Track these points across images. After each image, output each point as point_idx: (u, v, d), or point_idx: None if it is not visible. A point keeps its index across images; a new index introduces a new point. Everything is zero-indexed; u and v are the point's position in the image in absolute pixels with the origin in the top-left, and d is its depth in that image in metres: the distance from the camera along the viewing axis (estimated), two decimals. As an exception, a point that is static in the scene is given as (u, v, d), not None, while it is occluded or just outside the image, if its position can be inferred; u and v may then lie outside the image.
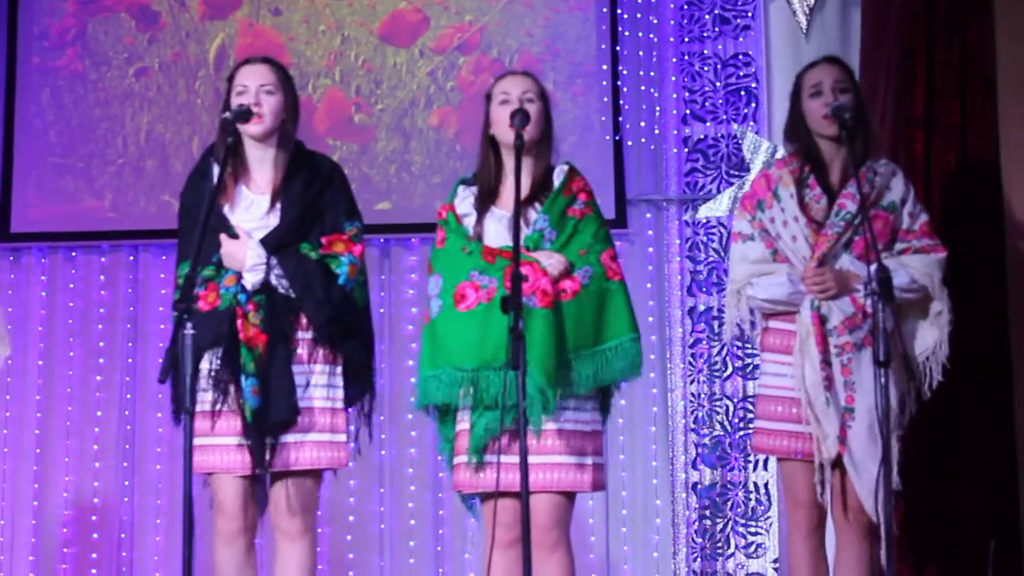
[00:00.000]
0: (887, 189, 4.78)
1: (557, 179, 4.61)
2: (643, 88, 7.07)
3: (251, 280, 4.53)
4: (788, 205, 4.77)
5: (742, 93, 6.98)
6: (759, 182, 4.92)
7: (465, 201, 4.64)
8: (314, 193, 4.64)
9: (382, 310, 6.94)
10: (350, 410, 4.71)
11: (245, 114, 4.56)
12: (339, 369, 4.62)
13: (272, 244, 4.56)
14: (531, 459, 4.32)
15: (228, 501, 4.59)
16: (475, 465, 4.44)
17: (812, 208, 4.75)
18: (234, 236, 4.56)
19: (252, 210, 4.63)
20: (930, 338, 4.77)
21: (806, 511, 4.74)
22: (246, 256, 4.53)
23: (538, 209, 4.53)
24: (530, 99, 4.59)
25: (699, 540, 6.76)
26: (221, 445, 4.56)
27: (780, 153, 5.74)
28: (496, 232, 4.54)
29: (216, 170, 4.61)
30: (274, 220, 4.61)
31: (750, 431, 6.61)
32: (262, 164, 4.68)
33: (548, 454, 4.42)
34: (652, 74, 7.07)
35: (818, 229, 4.72)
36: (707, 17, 7.02)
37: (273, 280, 4.54)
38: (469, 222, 4.60)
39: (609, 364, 4.45)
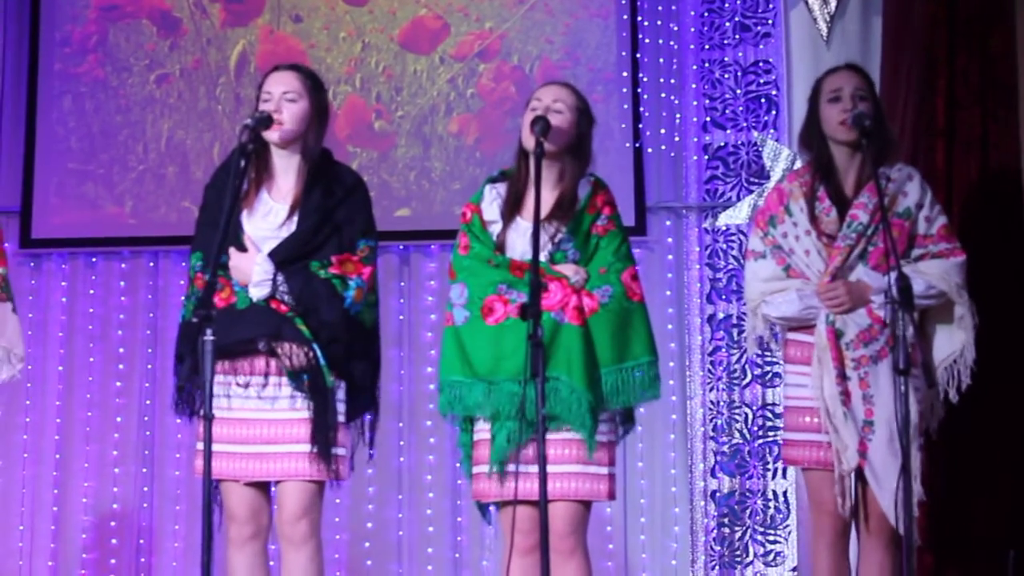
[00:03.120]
0: (902, 195, 4.76)
1: (582, 192, 4.59)
2: (663, 95, 7.06)
3: (256, 295, 4.54)
4: (800, 219, 4.76)
5: (762, 100, 6.96)
6: (772, 197, 4.91)
7: (493, 205, 4.63)
8: (333, 205, 4.64)
9: (401, 317, 6.95)
10: (351, 425, 4.71)
11: (265, 121, 4.57)
12: (342, 384, 4.62)
13: (283, 254, 4.56)
14: (549, 468, 4.34)
15: (238, 508, 4.62)
16: (496, 475, 4.44)
17: (823, 221, 4.73)
18: (243, 248, 4.57)
19: (269, 218, 4.64)
20: (956, 342, 4.76)
21: (831, 519, 4.72)
22: (252, 271, 4.53)
23: (562, 226, 4.52)
24: (558, 109, 4.56)
25: (717, 548, 6.74)
26: (228, 452, 4.57)
27: (799, 162, 5.73)
28: (520, 244, 4.53)
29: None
30: (287, 230, 4.61)
31: (769, 439, 6.62)
32: (286, 172, 4.69)
33: (566, 463, 4.43)
34: (672, 81, 7.07)
35: (830, 242, 4.70)
36: (727, 24, 7.01)
37: (278, 296, 4.54)
38: (495, 229, 4.59)
39: (627, 384, 4.45)
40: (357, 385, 4.66)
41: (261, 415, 4.57)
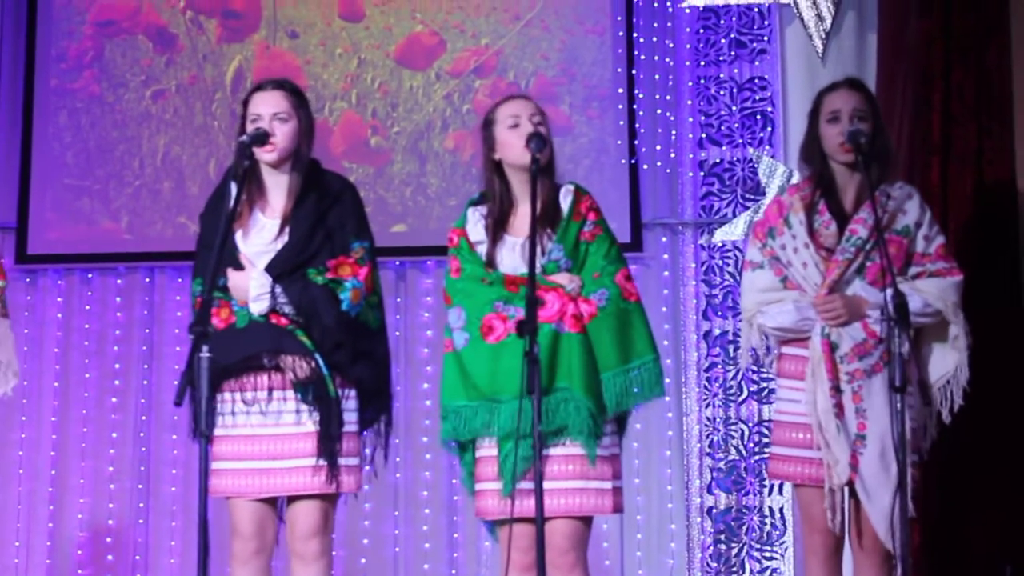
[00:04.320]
0: (901, 213, 4.75)
1: (564, 201, 4.58)
2: (659, 112, 7.07)
3: (256, 309, 4.53)
4: (799, 232, 4.75)
5: (758, 117, 6.97)
6: (771, 209, 4.90)
7: (477, 226, 4.62)
8: (322, 212, 4.63)
9: (398, 333, 6.94)
10: (365, 433, 4.70)
11: (262, 137, 4.55)
12: (352, 393, 4.62)
13: (278, 266, 4.55)
14: (552, 484, 4.34)
15: (243, 524, 4.60)
16: (508, 495, 4.41)
17: (822, 234, 4.73)
18: (240, 267, 4.56)
19: (263, 234, 4.63)
20: (950, 362, 4.75)
21: (823, 536, 4.72)
22: (249, 287, 4.53)
23: (551, 237, 4.53)
24: (539, 122, 4.58)
25: (714, 565, 6.74)
26: (231, 469, 4.57)
27: (795, 178, 5.73)
28: (509, 260, 4.53)
29: (234, 193, 4.61)
30: (281, 243, 4.60)
31: (765, 456, 6.60)
32: (277, 189, 4.68)
33: (569, 479, 4.41)
34: (668, 98, 7.07)
35: (828, 256, 4.70)
36: (723, 41, 7.02)
37: (279, 308, 4.54)
38: (482, 249, 4.58)
39: (633, 386, 4.45)
40: (367, 389, 4.65)
41: (267, 431, 4.56)
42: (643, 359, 4.48)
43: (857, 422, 4.60)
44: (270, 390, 4.56)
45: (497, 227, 4.59)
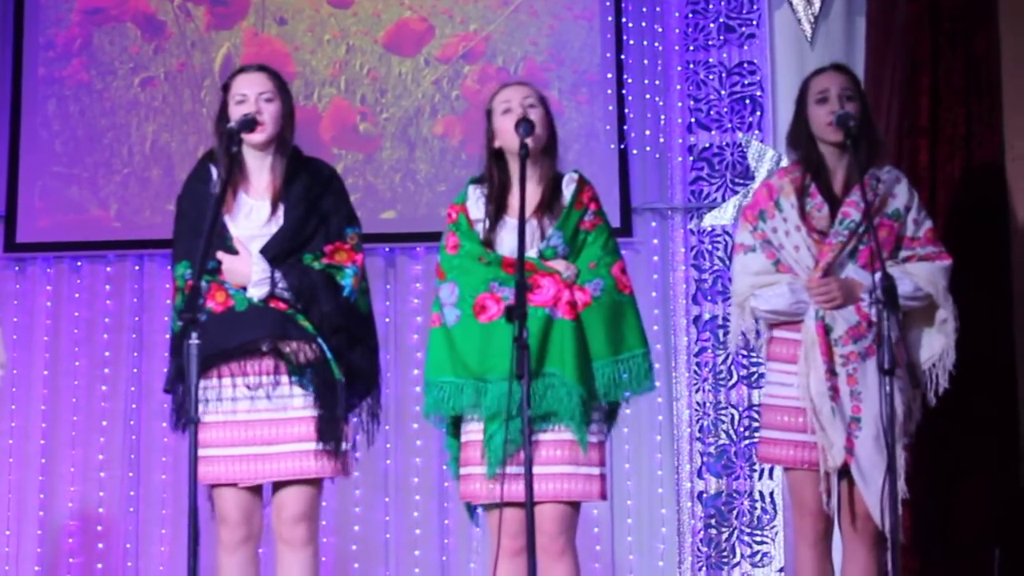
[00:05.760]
0: (891, 196, 4.76)
1: (567, 189, 4.60)
2: (648, 97, 7.06)
3: (256, 294, 4.52)
4: (790, 215, 4.75)
5: (747, 101, 6.97)
6: (761, 192, 4.90)
7: (478, 203, 4.63)
8: (315, 196, 4.63)
9: (387, 319, 6.94)
10: (352, 419, 4.70)
11: (251, 123, 4.55)
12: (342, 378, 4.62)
13: (274, 249, 4.55)
14: (540, 469, 4.35)
15: (231, 511, 4.58)
16: (493, 477, 4.42)
17: (814, 217, 4.73)
18: (232, 251, 4.56)
19: (253, 217, 4.62)
20: (937, 345, 4.76)
21: (813, 520, 4.73)
22: (251, 272, 4.51)
23: (552, 223, 4.53)
24: (531, 104, 4.58)
25: (704, 549, 6.75)
26: (223, 456, 4.55)
27: (784, 162, 5.72)
28: (510, 241, 4.51)
29: (216, 177, 4.60)
30: (275, 226, 4.59)
31: (755, 440, 6.61)
32: (260, 171, 4.67)
33: (557, 464, 4.42)
34: (657, 82, 7.07)
35: (820, 239, 4.70)
36: (712, 26, 7.01)
37: (277, 292, 4.53)
38: (480, 228, 4.59)
39: (621, 377, 4.45)
40: (358, 374, 4.65)
41: (266, 415, 4.54)
42: (633, 352, 4.50)
43: (852, 405, 4.61)
44: (275, 374, 4.55)
45: (498, 209, 4.59)
